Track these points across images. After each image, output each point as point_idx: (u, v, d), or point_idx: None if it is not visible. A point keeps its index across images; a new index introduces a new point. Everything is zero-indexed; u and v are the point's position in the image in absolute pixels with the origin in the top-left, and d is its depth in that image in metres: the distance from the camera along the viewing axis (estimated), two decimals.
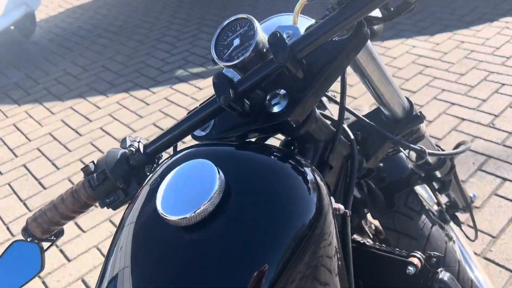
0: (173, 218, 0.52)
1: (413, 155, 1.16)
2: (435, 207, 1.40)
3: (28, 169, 2.85)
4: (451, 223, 1.41)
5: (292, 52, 0.61)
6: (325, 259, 0.57)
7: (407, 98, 0.89)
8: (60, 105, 3.56)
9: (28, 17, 4.58)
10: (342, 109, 0.78)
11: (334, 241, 0.59)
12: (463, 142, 1.06)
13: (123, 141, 0.75)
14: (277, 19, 0.85)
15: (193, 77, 3.60)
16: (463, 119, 2.57)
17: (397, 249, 0.83)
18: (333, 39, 0.66)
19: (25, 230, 0.80)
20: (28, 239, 0.81)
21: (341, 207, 0.69)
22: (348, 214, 0.77)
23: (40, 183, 2.71)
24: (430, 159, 1.10)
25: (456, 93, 2.81)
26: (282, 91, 0.67)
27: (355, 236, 0.99)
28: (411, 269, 0.76)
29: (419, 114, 0.88)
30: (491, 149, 2.32)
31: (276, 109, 0.67)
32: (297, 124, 0.68)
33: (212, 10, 4.81)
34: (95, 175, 0.72)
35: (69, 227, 2.31)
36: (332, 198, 0.68)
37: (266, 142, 0.86)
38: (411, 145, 0.87)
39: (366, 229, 1.18)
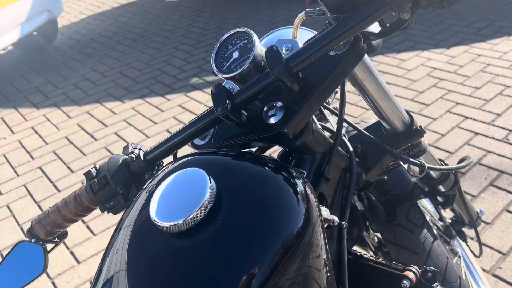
0: (165, 224, 0.54)
1: (415, 169, 1.16)
2: (441, 222, 1.39)
3: (43, 172, 2.91)
4: (458, 239, 1.40)
5: (288, 66, 0.62)
6: (312, 269, 0.58)
7: (408, 112, 0.90)
8: (77, 109, 3.63)
9: (50, 23, 4.71)
10: (341, 121, 0.79)
11: (322, 253, 0.60)
12: (465, 157, 1.06)
13: (125, 148, 0.77)
14: (281, 32, 0.87)
15: (208, 85, 3.64)
16: (477, 133, 2.54)
17: (394, 262, 0.83)
18: (330, 53, 0.68)
19: (30, 232, 0.83)
20: (33, 240, 0.84)
21: (335, 218, 0.69)
22: (344, 226, 0.78)
23: (54, 186, 2.77)
24: (433, 174, 1.10)
25: (470, 107, 2.78)
26: (279, 103, 0.69)
27: (354, 248, 0.99)
28: (406, 283, 0.76)
29: (419, 128, 0.89)
30: (504, 165, 2.29)
31: (272, 121, 0.68)
32: (293, 136, 0.69)
33: (229, 20, 4.87)
34: (96, 180, 0.74)
35: (80, 230, 2.36)
36: (326, 209, 0.69)
37: (267, 152, 0.88)
38: (410, 159, 0.87)
39: (369, 241, 1.18)
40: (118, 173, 0.74)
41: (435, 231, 1.12)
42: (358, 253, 0.87)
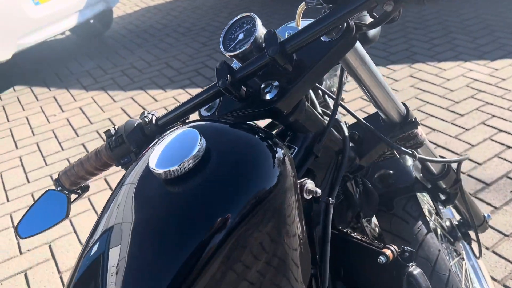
0: (159, 171, 0.64)
1: (418, 165, 1.21)
2: (447, 223, 1.42)
3: (85, 148, 3.12)
4: (463, 241, 1.42)
5: (282, 47, 0.71)
6: (283, 233, 0.65)
7: (404, 104, 0.95)
8: (122, 94, 3.84)
9: (106, 13, 4.98)
10: (336, 105, 0.86)
11: (296, 220, 0.67)
12: (463, 154, 1.10)
13: (142, 113, 0.88)
14: (292, 24, 0.95)
15: None
16: (509, 147, 2.50)
17: (376, 242, 0.89)
18: (324, 40, 0.75)
19: (57, 181, 0.96)
20: (58, 189, 0.96)
21: (318, 191, 0.77)
22: (330, 202, 0.86)
23: None
24: (434, 169, 1.14)
25: (506, 120, 2.73)
26: (276, 83, 0.77)
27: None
28: (382, 258, 0.82)
29: (413, 120, 0.94)
30: None
31: (268, 97, 0.76)
32: (286, 112, 0.77)
33: (275, 20, 4.97)
34: (113, 138, 0.86)
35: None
36: (311, 182, 0.76)
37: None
38: (402, 148, 0.93)
39: (368, 230, 1.23)
40: (132, 133, 0.85)
41: (431, 225, 1.16)
42: (344, 230, 0.93)
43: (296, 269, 0.68)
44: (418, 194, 1.25)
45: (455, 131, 2.70)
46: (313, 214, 0.86)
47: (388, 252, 0.83)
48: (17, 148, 3.26)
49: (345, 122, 1.02)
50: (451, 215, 1.45)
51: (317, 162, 0.86)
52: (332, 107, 1.03)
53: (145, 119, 0.84)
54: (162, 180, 0.65)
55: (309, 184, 0.78)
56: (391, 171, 1.19)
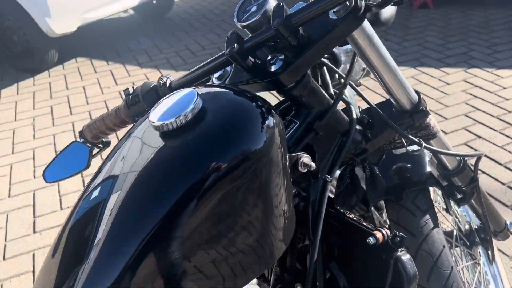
0: (156, 123, 0.69)
1: (435, 160, 1.19)
2: (466, 226, 1.38)
3: None
4: (481, 246, 1.38)
5: (287, 20, 0.73)
6: (265, 186, 0.68)
7: (417, 92, 0.94)
8: (174, 74, 3.98)
9: None
10: (344, 84, 0.88)
11: (278, 179, 0.70)
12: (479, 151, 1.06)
13: (160, 77, 0.94)
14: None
15: None
16: None
17: (370, 224, 0.90)
18: (331, 17, 0.77)
19: (81, 133, 1.04)
20: (81, 140, 1.05)
21: (313, 164, 0.79)
22: (328, 179, 0.87)
23: None
24: (449, 165, 1.12)
25: None
26: (282, 56, 0.80)
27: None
28: (371, 239, 0.82)
29: (424, 109, 0.93)
30: None
31: (272, 68, 0.79)
32: (289, 84, 0.80)
33: None
34: (130, 96, 0.92)
35: None
36: (308, 156, 0.79)
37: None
38: (409, 136, 0.92)
39: (376, 219, 1.23)
40: (147, 94, 0.91)
41: (440, 221, 1.13)
42: (339, 209, 0.95)
43: (275, 228, 0.71)
44: (432, 190, 1.24)
45: (502, 140, 2.58)
46: (311, 190, 0.88)
47: (378, 234, 0.84)
48: (71, 114, 3.48)
49: (358, 106, 1.03)
50: (470, 219, 1.41)
51: (319, 139, 0.88)
52: (360, 97, 1.03)
53: (160, 81, 0.90)
54: (160, 133, 0.70)
55: (305, 158, 0.80)
56: (408, 165, 1.18)
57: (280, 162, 0.71)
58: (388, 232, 0.85)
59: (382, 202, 1.25)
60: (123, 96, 3.60)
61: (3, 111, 3.61)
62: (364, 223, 0.90)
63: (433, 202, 1.14)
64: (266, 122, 0.70)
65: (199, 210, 0.63)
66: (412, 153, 0.97)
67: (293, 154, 0.80)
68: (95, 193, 0.72)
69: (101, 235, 0.65)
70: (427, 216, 1.09)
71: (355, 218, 0.92)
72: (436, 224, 1.09)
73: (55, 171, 1.08)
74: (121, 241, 0.65)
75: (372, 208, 1.26)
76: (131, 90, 0.94)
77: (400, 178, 1.17)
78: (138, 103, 0.91)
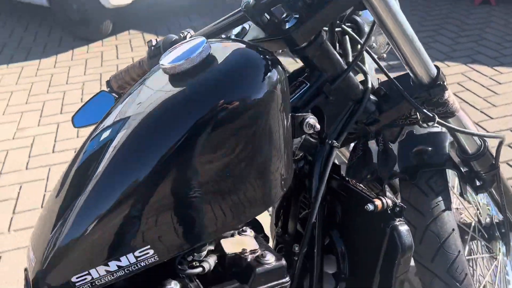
0: (166, 66, 0.73)
1: (455, 146, 1.15)
2: (487, 220, 1.34)
3: None
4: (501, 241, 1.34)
5: None
6: (263, 133, 0.71)
7: (436, 66, 0.92)
8: None
9: None
10: (361, 50, 0.88)
11: (277, 128, 0.72)
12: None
13: (182, 32, 0.97)
14: None
15: None
16: None
17: (373, 192, 0.90)
18: None
19: (108, 83, 1.10)
20: (108, 90, 1.11)
21: (317, 125, 0.81)
22: (334, 145, 0.88)
23: None
24: (468, 149, 1.09)
25: None
26: (297, 15, 0.81)
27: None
28: (369, 206, 0.82)
29: (441, 83, 0.90)
30: None
31: (286, 26, 0.81)
32: (301, 43, 0.81)
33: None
34: (152, 48, 0.96)
35: None
36: (314, 117, 0.81)
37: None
38: (423, 109, 0.90)
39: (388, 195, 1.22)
40: (168, 46, 0.95)
41: (458, 207, 1.11)
42: (344, 176, 0.95)
43: (272, 171, 0.73)
44: (450, 173, 1.21)
45: None
46: (317, 154, 0.89)
47: (378, 202, 0.83)
48: None
49: (378, 79, 1.02)
50: (494, 213, 1.37)
51: (330, 104, 0.88)
52: (378, 67, 1.02)
53: (181, 34, 0.93)
54: (169, 76, 0.74)
55: (311, 119, 0.81)
56: (429, 148, 1.16)
57: (280, 114, 0.73)
58: (389, 201, 0.85)
59: (397, 183, 1.24)
60: None
61: (57, 74, 3.82)
62: (367, 192, 0.89)
63: (450, 187, 1.11)
64: (269, 74, 0.72)
65: (198, 146, 0.67)
66: (427, 127, 0.96)
67: (299, 114, 0.81)
68: (101, 133, 0.77)
69: (100, 169, 0.70)
70: (440, 198, 1.08)
71: (359, 187, 0.92)
72: (448, 207, 1.07)
73: (83, 117, 1.15)
74: (119, 173, 0.70)
75: (387, 188, 1.25)
76: (154, 42, 0.98)
77: (419, 159, 1.16)
78: (159, 54, 0.95)
